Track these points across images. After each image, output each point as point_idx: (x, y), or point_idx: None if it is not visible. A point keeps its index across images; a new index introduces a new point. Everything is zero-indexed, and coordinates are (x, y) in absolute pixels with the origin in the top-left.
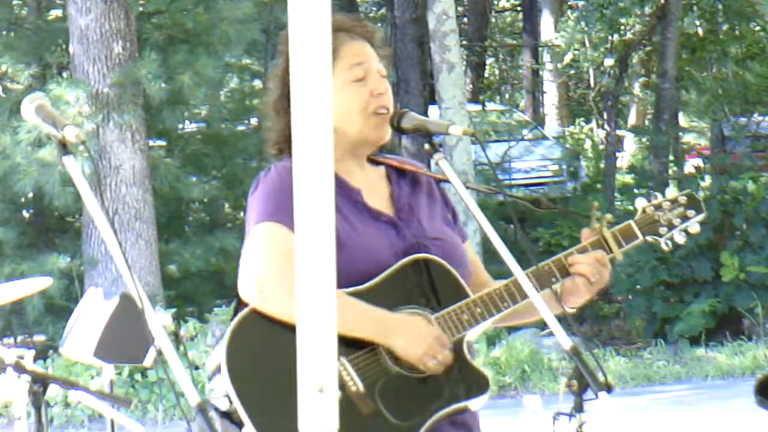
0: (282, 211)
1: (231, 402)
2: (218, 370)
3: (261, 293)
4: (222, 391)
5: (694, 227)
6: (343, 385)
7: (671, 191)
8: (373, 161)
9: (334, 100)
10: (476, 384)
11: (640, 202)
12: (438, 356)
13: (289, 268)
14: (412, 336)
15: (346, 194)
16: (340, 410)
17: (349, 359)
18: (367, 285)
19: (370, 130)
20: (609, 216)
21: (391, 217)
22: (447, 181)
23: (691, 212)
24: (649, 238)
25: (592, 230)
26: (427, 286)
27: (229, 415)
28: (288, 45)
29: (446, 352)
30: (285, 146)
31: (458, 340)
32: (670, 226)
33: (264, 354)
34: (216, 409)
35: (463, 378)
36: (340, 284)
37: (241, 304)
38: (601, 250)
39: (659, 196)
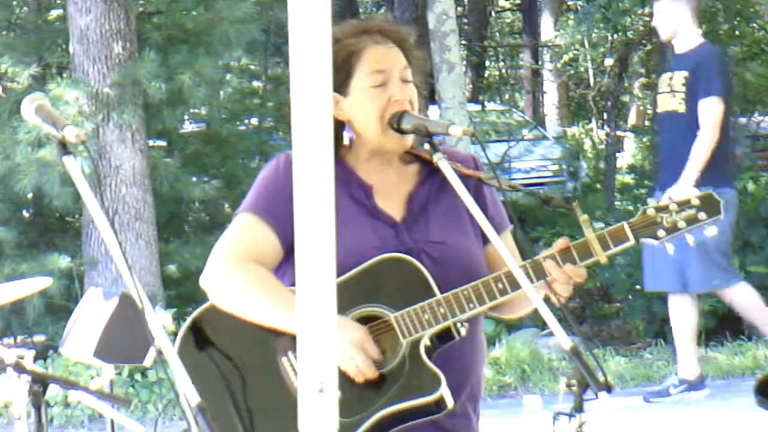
0: (269, 207)
1: None
2: None
3: (216, 286)
4: None
5: (711, 230)
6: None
7: (688, 191)
8: (413, 155)
9: (355, 105)
10: (427, 384)
11: (651, 202)
12: (356, 360)
13: (243, 260)
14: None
15: (347, 189)
16: (289, 405)
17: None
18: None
19: (387, 137)
20: (585, 217)
21: (392, 218)
22: (489, 184)
23: (702, 215)
24: (645, 240)
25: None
26: (394, 285)
27: None
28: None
29: (363, 359)
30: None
31: (416, 340)
32: (673, 229)
33: (211, 352)
34: None
35: (413, 378)
36: None
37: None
38: (570, 265)
39: (671, 197)
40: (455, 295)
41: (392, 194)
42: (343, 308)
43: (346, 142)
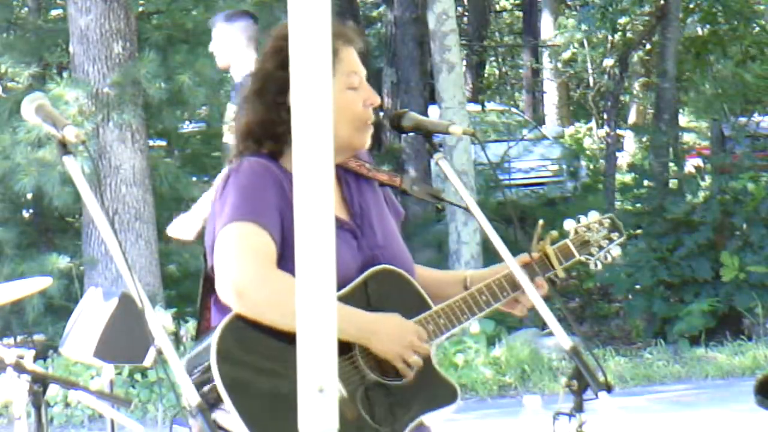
0: (256, 211)
1: (215, 404)
2: (195, 370)
3: (241, 298)
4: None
5: (615, 249)
6: None
7: (594, 214)
8: None
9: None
10: (448, 393)
11: (569, 224)
12: (419, 350)
13: (266, 269)
14: (391, 331)
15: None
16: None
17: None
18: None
19: (357, 138)
20: (554, 233)
21: (350, 224)
22: (391, 185)
23: (614, 234)
24: (583, 258)
25: (535, 247)
26: (390, 298)
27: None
28: (275, 42)
29: (426, 346)
30: (254, 141)
31: (430, 338)
32: (600, 247)
33: (253, 359)
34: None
35: (432, 386)
36: None
37: (204, 308)
38: (539, 277)
39: (584, 217)
40: (450, 307)
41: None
42: None
43: None
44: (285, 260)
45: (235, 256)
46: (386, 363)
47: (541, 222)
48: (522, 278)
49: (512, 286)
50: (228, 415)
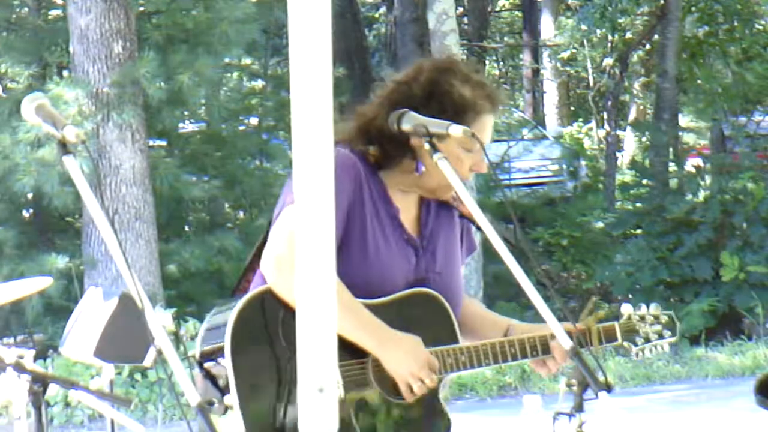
0: None
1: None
2: (215, 330)
3: (279, 272)
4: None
5: (663, 346)
6: None
7: (655, 307)
8: None
9: (443, 149)
10: (439, 424)
11: (626, 308)
12: (426, 379)
13: None
14: (408, 353)
15: (388, 209)
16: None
17: (339, 363)
18: (372, 301)
19: (443, 192)
20: (601, 313)
21: (415, 242)
22: (472, 221)
23: (667, 332)
24: (625, 344)
25: (582, 322)
26: (424, 321)
27: (214, 378)
28: (432, 73)
29: (434, 377)
30: (365, 140)
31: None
32: (647, 339)
33: (268, 335)
34: (201, 366)
35: (433, 415)
36: (351, 287)
37: (250, 269)
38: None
39: (644, 307)
40: (476, 348)
41: (407, 215)
42: None
43: (417, 173)
44: (339, 251)
45: (287, 236)
46: (393, 380)
47: (594, 298)
48: (561, 336)
49: (543, 348)
50: (222, 370)
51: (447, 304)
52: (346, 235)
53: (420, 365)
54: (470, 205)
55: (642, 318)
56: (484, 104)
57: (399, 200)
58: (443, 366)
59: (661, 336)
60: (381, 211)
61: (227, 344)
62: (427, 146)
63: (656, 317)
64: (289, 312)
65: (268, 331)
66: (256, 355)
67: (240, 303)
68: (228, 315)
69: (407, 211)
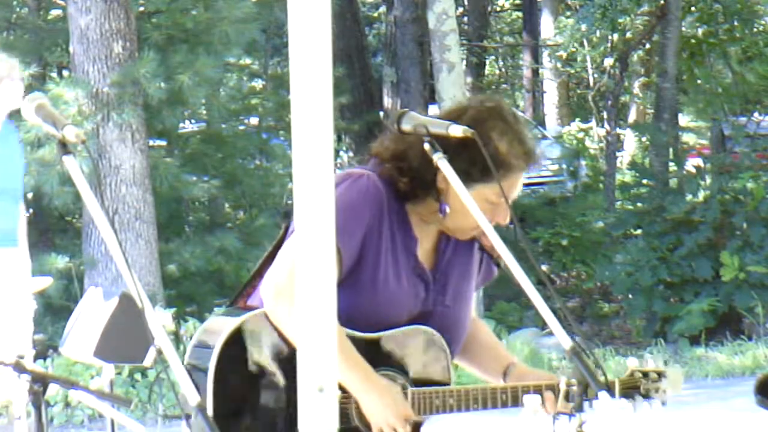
0: (340, 229)
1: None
2: (203, 349)
3: (276, 301)
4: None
5: (662, 403)
6: None
7: (667, 369)
8: None
9: (468, 203)
10: None
11: (631, 362)
12: (399, 430)
13: None
14: (385, 402)
15: (406, 242)
16: None
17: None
18: (368, 335)
19: (461, 235)
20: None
21: (427, 276)
22: (491, 255)
23: (668, 388)
24: (622, 399)
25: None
26: (418, 359)
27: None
28: (479, 125)
29: (408, 429)
30: (397, 169)
31: (419, 421)
32: (646, 395)
33: (254, 355)
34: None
35: None
36: (354, 318)
37: (255, 277)
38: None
39: (651, 361)
40: (465, 391)
41: (424, 245)
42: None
43: (441, 214)
44: (348, 278)
45: (292, 263)
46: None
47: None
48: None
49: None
50: (204, 380)
51: (445, 345)
52: (358, 263)
53: (397, 415)
54: (494, 239)
55: (645, 374)
56: (518, 163)
57: (419, 230)
58: (429, 408)
59: (664, 392)
60: (398, 242)
61: (212, 369)
62: (427, 146)
63: (660, 374)
64: (279, 337)
65: (256, 353)
66: (239, 384)
67: (235, 323)
68: (216, 338)
69: (426, 241)
